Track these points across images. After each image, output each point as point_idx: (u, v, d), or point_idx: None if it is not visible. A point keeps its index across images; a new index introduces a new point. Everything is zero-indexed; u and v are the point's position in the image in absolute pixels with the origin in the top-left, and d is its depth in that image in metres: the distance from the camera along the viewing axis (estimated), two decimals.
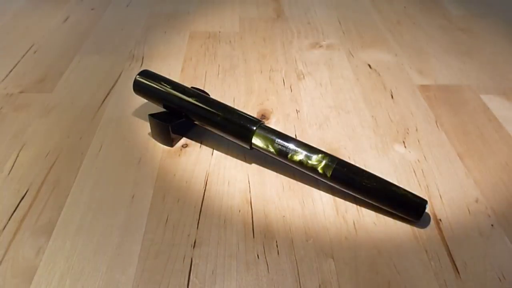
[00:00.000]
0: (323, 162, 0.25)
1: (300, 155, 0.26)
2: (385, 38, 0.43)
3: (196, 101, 0.29)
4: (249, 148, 0.28)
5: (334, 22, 0.46)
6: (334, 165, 0.25)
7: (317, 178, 0.27)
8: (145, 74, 0.31)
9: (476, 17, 0.47)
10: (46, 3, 0.51)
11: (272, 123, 0.32)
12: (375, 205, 0.25)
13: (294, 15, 0.48)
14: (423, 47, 0.42)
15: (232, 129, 0.28)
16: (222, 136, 0.29)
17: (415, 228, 0.25)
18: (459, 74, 0.38)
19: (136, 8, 0.50)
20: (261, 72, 0.38)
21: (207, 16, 0.48)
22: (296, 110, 0.34)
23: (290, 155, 0.26)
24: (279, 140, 0.27)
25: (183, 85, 0.31)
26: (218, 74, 0.38)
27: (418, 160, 0.29)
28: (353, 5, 0.50)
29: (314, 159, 0.26)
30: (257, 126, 0.27)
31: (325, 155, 0.26)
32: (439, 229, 0.24)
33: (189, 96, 0.29)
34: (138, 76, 0.31)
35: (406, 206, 0.25)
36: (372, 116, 0.33)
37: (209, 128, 0.29)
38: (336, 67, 0.39)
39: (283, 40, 0.43)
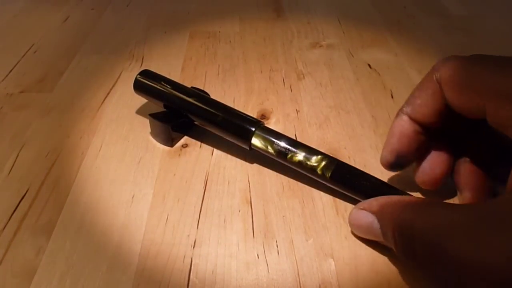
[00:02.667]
0: (322, 163, 0.25)
1: (299, 156, 0.26)
2: (385, 38, 0.43)
3: (196, 101, 0.29)
4: (248, 148, 0.28)
5: (334, 22, 0.46)
6: (334, 166, 0.25)
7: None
8: (146, 73, 0.31)
9: (476, 17, 0.47)
10: (46, 3, 0.51)
11: (272, 123, 0.32)
12: None
13: (294, 15, 0.48)
14: (423, 47, 0.42)
15: (231, 129, 0.28)
16: (222, 136, 0.29)
17: None
18: None
19: (136, 8, 0.50)
20: (261, 72, 0.38)
21: (207, 16, 0.48)
22: (296, 110, 0.34)
23: (289, 156, 0.26)
24: (278, 141, 0.27)
25: (183, 85, 0.31)
26: (218, 74, 0.38)
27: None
28: (353, 5, 0.50)
29: (314, 160, 0.25)
30: (257, 127, 0.27)
31: (324, 156, 0.26)
32: None
33: (189, 96, 0.29)
34: (138, 75, 0.31)
35: None
36: (372, 116, 0.33)
37: (209, 129, 0.29)
38: (336, 67, 0.39)
39: (283, 40, 0.43)
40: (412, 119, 0.22)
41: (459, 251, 0.15)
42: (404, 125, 0.22)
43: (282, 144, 0.26)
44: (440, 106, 0.21)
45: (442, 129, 0.22)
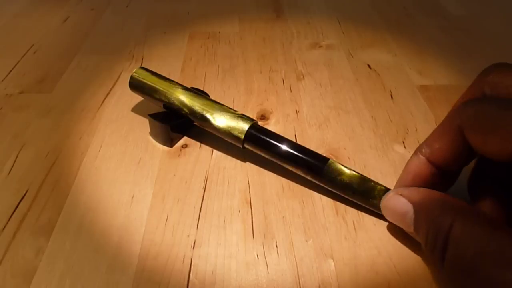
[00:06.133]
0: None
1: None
2: (385, 38, 0.43)
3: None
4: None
5: (334, 22, 0.46)
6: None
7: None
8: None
9: (476, 17, 0.47)
10: (46, 3, 0.51)
11: (271, 124, 0.32)
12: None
13: (294, 16, 0.48)
14: (422, 47, 0.42)
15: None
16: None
17: None
18: (459, 74, 0.38)
19: (136, 8, 0.50)
20: (261, 72, 0.38)
21: (206, 16, 0.48)
22: (296, 110, 0.34)
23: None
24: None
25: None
26: (218, 74, 0.38)
27: None
28: (353, 5, 0.50)
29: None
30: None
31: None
32: None
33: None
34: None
35: None
36: (372, 117, 0.33)
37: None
38: (336, 67, 0.39)
39: (283, 40, 0.43)
40: (430, 161, 0.21)
41: (497, 275, 0.15)
42: (421, 166, 0.22)
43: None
44: (460, 151, 0.20)
45: (459, 170, 0.22)
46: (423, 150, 0.22)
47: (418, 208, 0.21)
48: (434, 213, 0.19)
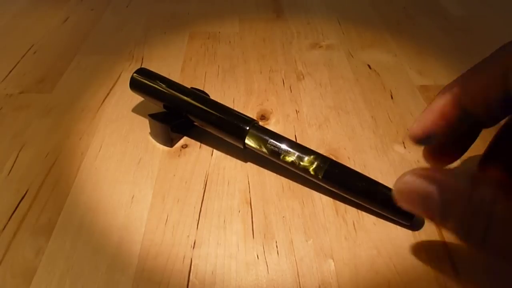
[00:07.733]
0: (315, 164, 0.25)
1: (292, 156, 0.26)
2: (385, 38, 0.43)
3: (191, 98, 0.29)
4: (242, 147, 0.28)
5: (334, 22, 0.46)
6: (326, 166, 0.25)
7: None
8: (142, 72, 0.31)
9: (476, 17, 0.47)
10: (46, 3, 0.51)
11: (271, 124, 0.32)
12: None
13: (294, 16, 0.48)
14: (422, 48, 0.42)
15: (225, 128, 0.28)
16: (217, 135, 0.29)
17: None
18: (459, 74, 0.38)
19: (136, 8, 0.50)
20: (261, 72, 0.38)
21: (206, 16, 0.48)
22: (296, 110, 0.34)
23: (282, 155, 0.26)
24: (272, 140, 0.27)
25: (178, 83, 0.31)
26: (218, 74, 0.38)
27: (417, 161, 0.29)
28: (353, 5, 0.50)
29: (306, 160, 0.25)
30: (251, 125, 0.27)
31: (317, 156, 0.26)
32: (439, 229, 0.25)
33: (184, 94, 0.29)
34: (135, 73, 0.31)
35: (397, 209, 0.24)
36: (372, 117, 0.33)
37: (204, 127, 0.29)
38: (336, 68, 0.39)
39: (283, 41, 0.43)
40: (458, 103, 0.18)
41: None
42: (448, 105, 0.18)
43: (276, 143, 0.26)
44: (497, 100, 0.17)
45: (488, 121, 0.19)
46: (454, 89, 0.18)
47: (446, 187, 0.17)
48: (467, 189, 0.16)
